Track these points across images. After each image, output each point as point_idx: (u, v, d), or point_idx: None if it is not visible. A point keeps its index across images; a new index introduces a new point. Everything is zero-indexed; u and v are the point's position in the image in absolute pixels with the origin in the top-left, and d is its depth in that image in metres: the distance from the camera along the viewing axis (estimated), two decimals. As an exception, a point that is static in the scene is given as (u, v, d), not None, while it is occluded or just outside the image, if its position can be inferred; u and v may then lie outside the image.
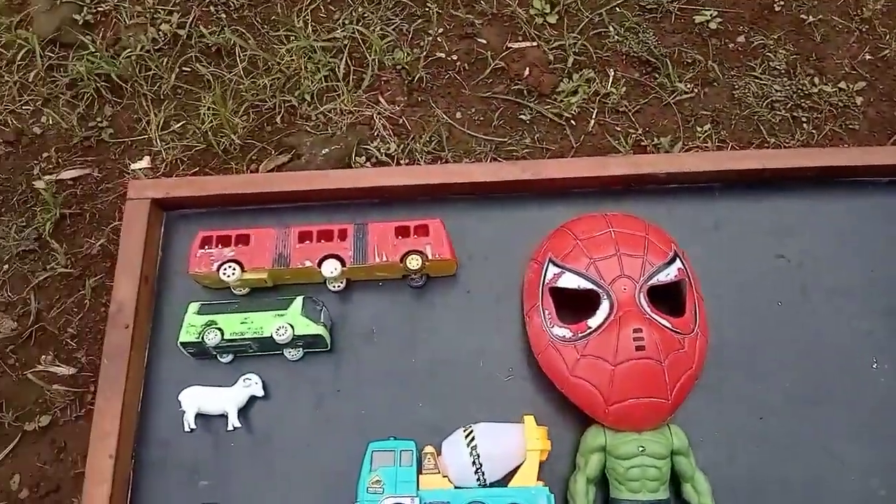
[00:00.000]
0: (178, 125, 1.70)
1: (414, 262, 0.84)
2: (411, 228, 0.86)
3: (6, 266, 1.56)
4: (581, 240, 0.84)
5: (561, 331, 0.79)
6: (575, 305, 0.80)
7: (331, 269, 0.83)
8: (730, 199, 0.94)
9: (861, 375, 0.85)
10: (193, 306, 0.79)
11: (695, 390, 0.79)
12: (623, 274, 0.80)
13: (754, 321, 0.88)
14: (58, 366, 1.47)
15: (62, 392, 1.43)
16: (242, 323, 0.77)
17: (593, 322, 0.78)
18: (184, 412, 0.77)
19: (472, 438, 0.74)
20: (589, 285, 0.80)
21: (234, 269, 0.82)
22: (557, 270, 0.82)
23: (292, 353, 0.81)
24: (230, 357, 0.80)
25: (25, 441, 1.39)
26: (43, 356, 1.47)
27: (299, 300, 0.79)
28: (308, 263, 0.83)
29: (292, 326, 0.77)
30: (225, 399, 0.77)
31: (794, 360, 0.85)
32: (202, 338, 0.76)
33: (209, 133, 1.66)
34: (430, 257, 0.85)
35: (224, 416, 0.77)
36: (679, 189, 0.94)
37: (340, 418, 0.81)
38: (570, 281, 0.81)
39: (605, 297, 0.79)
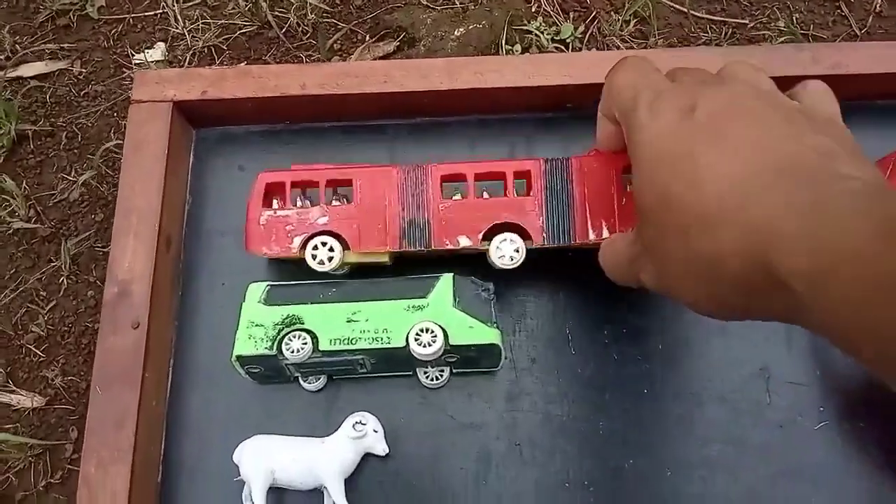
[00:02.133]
0: (212, -8, 1.06)
1: None
2: None
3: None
4: None
5: None
6: None
7: (506, 253, 0.45)
8: None
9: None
10: (256, 290, 0.48)
11: None
12: None
13: None
14: (13, 392, 0.85)
15: (20, 445, 0.81)
16: (350, 321, 0.47)
17: None
18: (244, 483, 0.47)
19: None
20: None
21: (330, 249, 0.47)
22: None
23: (433, 376, 0.50)
24: (322, 381, 0.51)
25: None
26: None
27: (447, 280, 0.48)
28: (465, 242, 0.46)
29: (444, 329, 0.46)
30: (320, 461, 0.47)
31: None
32: (279, 349, 0.46)
33: (262, 4, 1.02)
34: None
35: (319, 493, 0.48)
36: None
37: (524, 497, 0.47)
38: None
39: None
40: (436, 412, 0.51)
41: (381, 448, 0.48)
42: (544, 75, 0.53)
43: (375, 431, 0.49)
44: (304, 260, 0.49)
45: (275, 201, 0.48)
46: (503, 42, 1.00)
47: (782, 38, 1.01)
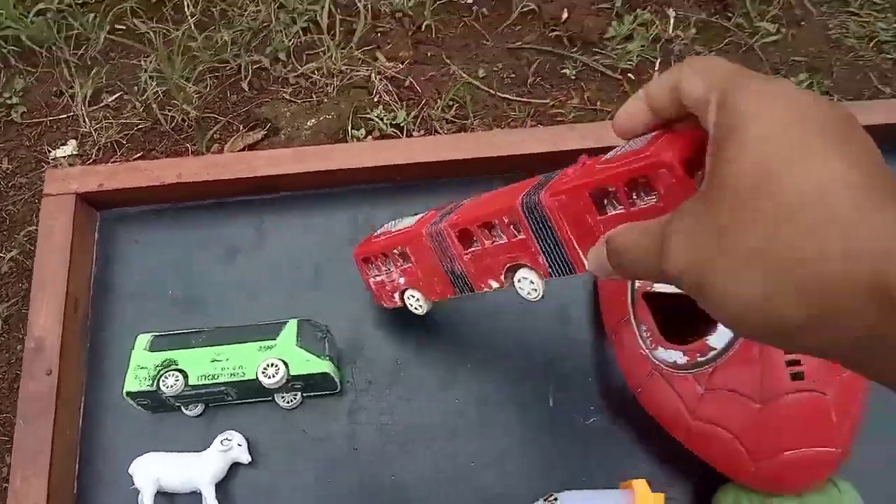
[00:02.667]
0: (113, 98, 1.29)
1: None
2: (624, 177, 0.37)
3: None
4: None
5: (672, 354, 0.58)
6: (678, 318, 0.57)
7: (525, 288, 0.46)
8: None
9: None
10: (143, 340, 0.60)
11: (865, 430, 0.56)
12: None
13: None
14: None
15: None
16: (214, 361, 0.59)
17: (718, 341, 0.56)
18: (138, 491, 0.58)
19: None
20: None
21: (416, 298, 0.56)
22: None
23: (287, 400, 0.62)
24: (200, 408, 0.63)
25: None
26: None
27: (293, 324, 0.60)
28: (495, 285, 0.49)
29: (286, 363, 0.59)
30: (196, 470, 0.59)
31: None
32: (157, 385, 0.59)
33: (153, 106, 1.25)
34: None
35: (196, 495, 0.59)
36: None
37: (361, 491, 0.59)
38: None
39: None
40: (291, 429, 0.61)
41: (244, 458, 0.59)
42: (374, 159, 0.66)
43: (240, 445, 0.59)
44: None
45: (370, 270, 0.58)
46: (350, 128, 1.24)
47: (573, 115, 1.27)
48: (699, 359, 0.56)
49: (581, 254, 0.39)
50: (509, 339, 0.63)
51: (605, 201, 0.36)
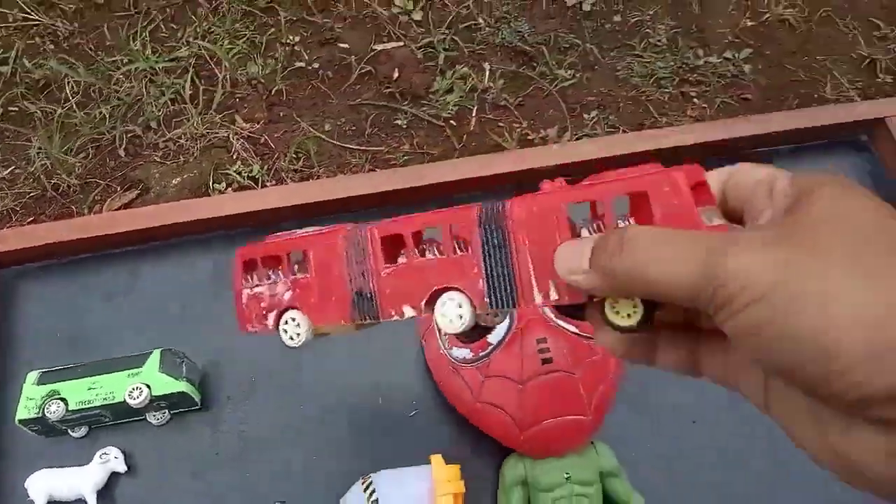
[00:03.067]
0: (7, 171, 1.48)
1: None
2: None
3: None
4: None
5: (461, 352, 0.68)
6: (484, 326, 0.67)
7: (449, 314, 0.36)
8: None
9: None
10: (32, 376, 0.69)
11: (618, 401, 0.68)
12: None
13: None
14: None
15: None
16: (90, 389, 0.68)
17: (494, 338, 0.67)
18: (32, 502, 0.66)
19: (373, 491, 0.62)
20: None
21: (297, 323, 0.43)
22: None
23: (157, 417, 0.71)
24: (84, 430, 0.71)
25: None
26: None
27: (156, 354, 0.68)
28: (409, 313, 0.38)
29: (149, 386, 0.67)
30: (79, 481, 0.66)
31: None
32: (43, 412, 0.67)
33: (42, 177, 1.44)
34: None
35: (82, 502, 0.68)
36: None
37: (223, 487, 0.69)
38: None
39: None
40: (162, 441, 0.69)
41: (121, 468, 0.67)
42: (236, 205, 0.76)
43: (116, 457, 0.67)
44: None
45: (251, 277, 0.44)
46: (212, 183, 1.45)
47: (404, 159, 1.49)
48: (481, 353, 0.67)
49: (534, 284, 0.32)
50: (344, 355, 0.73)
51: (582, 225, 0.31)
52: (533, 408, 0.63)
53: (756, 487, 0.69)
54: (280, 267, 0.43)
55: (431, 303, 0.36)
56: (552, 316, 0.68)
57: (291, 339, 0.42)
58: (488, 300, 0.34)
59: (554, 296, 0.31)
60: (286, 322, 0.42)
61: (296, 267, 0.42)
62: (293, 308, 0.42)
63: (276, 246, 0.42)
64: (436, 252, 0.36)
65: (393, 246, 0.38)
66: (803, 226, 0.24)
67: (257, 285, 0.43)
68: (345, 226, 0.41)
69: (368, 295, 0.39)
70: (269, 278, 0.43)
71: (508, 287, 0.33)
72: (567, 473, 0.64)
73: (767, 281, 0.22)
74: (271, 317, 0.43)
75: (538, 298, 0.32)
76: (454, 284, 0.35)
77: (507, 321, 0.69)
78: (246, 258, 0.44)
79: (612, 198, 0.29)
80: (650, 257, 0.25)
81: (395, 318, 0.38)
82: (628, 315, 0.29)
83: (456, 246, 0.35)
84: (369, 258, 0.38)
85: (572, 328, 0.66)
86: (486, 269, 0.34)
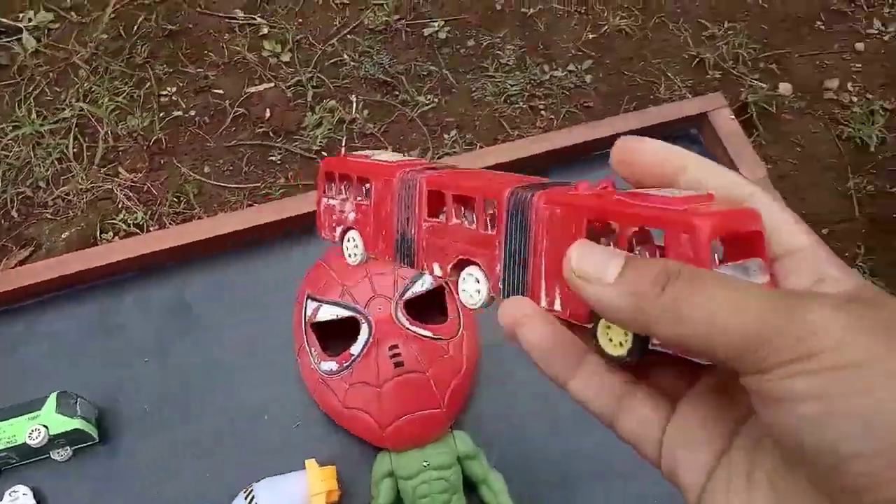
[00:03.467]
0: None
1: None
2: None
3: None
4: (335, 269, 0.82)
5: (328, 364, 0.77)
6: (345, 336, 0.78)
7: (468, 289, 0.35)
8: None
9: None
10: None
11: (481, 390, 0.78)
12: (376, 294, 0.79)
13: None
14: None
15: None
16: None
17: (355, 349, 0.76)
18: None
19: (252, 498, 0.70)
20: (347, 313, 0.79)
21: (355, 244, 0.44)
22: (315, 305, 0.80)
23: (60, 454, 0.76)
24: None
25: None
26: None
27: (53, 397, 0.74)
28: (437, 272, 0.37)
29: (46, 427, 0.73)
30: None
31: None
32: None
33: (-62, 242, 1.54)
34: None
35: None
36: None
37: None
38: (327, 312, 0.80)
39: (364, 320, 0.78)
40: (67, 476, 0.75)
41: (28, 503, 0.73)
42: (117, 253, 0.82)
43: (25, 494, 0.73)
44: None
45: (329, 189, 0.44)
46: (99, 233, 1.55)
47: (280, 191, 1.60)
48: (344, 364, 0.75)
49: (542, 287, 0.30)
50: (232, 378, 0.80)
51: (600, 238, 0.29)
52: (390, 407, 0.72)
53: (601, 450, 0.76)
54: (350, 186, 0.42)
55: (457, 269, 0.35)
56: (406, 323, 0.77)
57: (350, 256, 0.43)
58: (501, 287, 0.32)
59: (557, 307, 0.29)
60: (349, 240, 0.43)
61: (364, 189, 0.41)
62: (354, 229, 0.43)
63: (350, 165, 0.42)
64: (473, 220, 0.34)
65: (439, 200, 0.36)
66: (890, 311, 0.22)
67: (332, 197, 0.43)
68: (413, 161, 0.40)
69: (410, 240, 0.38)
70: (341, 193, 0.43)
71: (521, 281, 0.31)
72: (426, 461, 0.71)
73: (864, 350, 0.20)
74: (338, 231, 0.44)
75: (543, 303, 0.30)
76: (477, 259, 0.34)
77: (366, 332, 0.76)
78: (326, 170, 0.44)
79: (635, 224, 0.26)
80: (709, 299, 0.22)
81: (425, 272, 0.37)
82: (620, 343, 0.27)
83: (488, 221, 0.33)
84: (415, 206, 0.37)
85: (426, 332, 0.76)
86: (504, 255, 0.32)
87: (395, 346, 0.73)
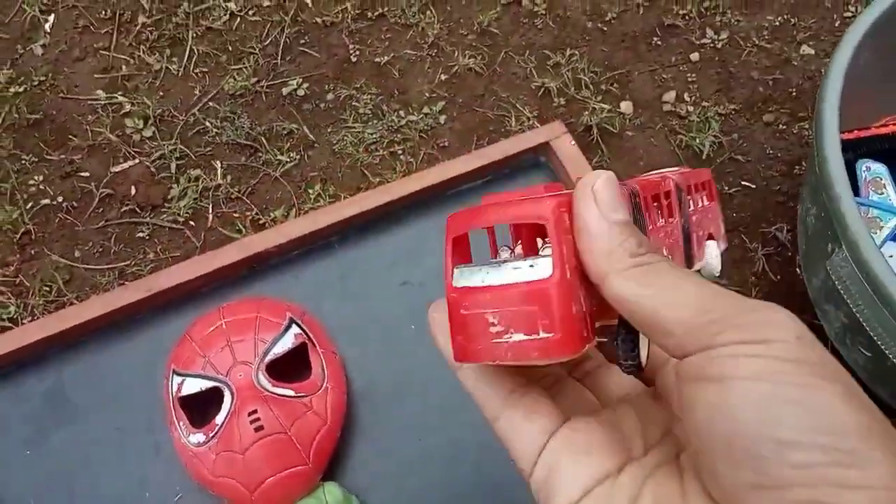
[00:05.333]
0: None
1: None
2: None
3: None
4: (196, 341, 0.85)
5: (196, 437, 0.80)
6: (217, 405, 0.81)
7: (713, 253, 0.40)
8: (349, 247, 1.00)
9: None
10: None
11: (351, 439, 0.82)
12: (237, 361, 0.82)
13: (396, 351, 0.92)
14: None
15: None
16: None
17: (219, 418, 0.79)
18: None
19: None
20: (209, 384, 0.82)
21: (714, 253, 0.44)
22: (180, 379, 0.83)
23: None
24: None
25: None
26: None
27: None
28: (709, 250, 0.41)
29: None
30: None
31: (440, 373, 0.85)
32: None
33: None
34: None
35: None
36: (303, 254, 0.98)
37: None
38: (192, 386, 0.83)
39: (226, 389, 0.81)
40: None
41: None
42: None
43: None
44: None
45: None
46: (-29, 331, 1.55)
47: (150, 266, 1.62)
48: (210, 434, 0.77)
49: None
50: (111, 462, 0.83)
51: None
52: (255, 471, 0.75)
53: (477, 476, 0.82)
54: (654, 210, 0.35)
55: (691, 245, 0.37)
56: (268, 385, 0.83)
57: (713, 259, 0.42)
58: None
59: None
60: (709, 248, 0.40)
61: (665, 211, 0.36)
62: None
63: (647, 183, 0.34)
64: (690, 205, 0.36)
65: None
66: None
67: (658, 223, 0.35)
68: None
69: (688, 232, 0.38)
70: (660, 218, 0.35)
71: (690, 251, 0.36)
72: (297, 518, 0.75)
73: (811, 352, 0.22)
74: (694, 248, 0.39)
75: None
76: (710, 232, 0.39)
77: (228, 401, 0.83)
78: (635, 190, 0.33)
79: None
80: (679, 274, 0.25)
81: (696, 260, 0.38)
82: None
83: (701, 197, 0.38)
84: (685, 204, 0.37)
85: (287, 392, 0.80)
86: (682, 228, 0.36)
87: (255, 412, 0.76)
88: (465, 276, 0.28)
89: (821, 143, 1.04)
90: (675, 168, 0.36)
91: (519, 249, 0.31)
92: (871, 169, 1.05)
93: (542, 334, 0.25)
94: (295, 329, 0.87)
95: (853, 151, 1.16)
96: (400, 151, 1.69)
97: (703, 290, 0.24)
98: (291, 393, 0.81)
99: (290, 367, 0.84)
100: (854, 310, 1.01)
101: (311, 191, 1.66)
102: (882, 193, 1.05)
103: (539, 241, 0.30)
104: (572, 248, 0.26)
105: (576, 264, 0.26)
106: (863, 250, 0.94)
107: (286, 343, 0.85)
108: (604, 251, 0.25)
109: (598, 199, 0.26)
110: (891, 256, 1.08)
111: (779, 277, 1.42)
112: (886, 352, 0.99)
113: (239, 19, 1.84)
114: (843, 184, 0.99)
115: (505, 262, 0.27)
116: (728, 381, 0.22)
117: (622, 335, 0.28)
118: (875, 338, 0.99)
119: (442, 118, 1.71)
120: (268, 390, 0.80)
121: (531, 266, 0.26)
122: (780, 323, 0.22)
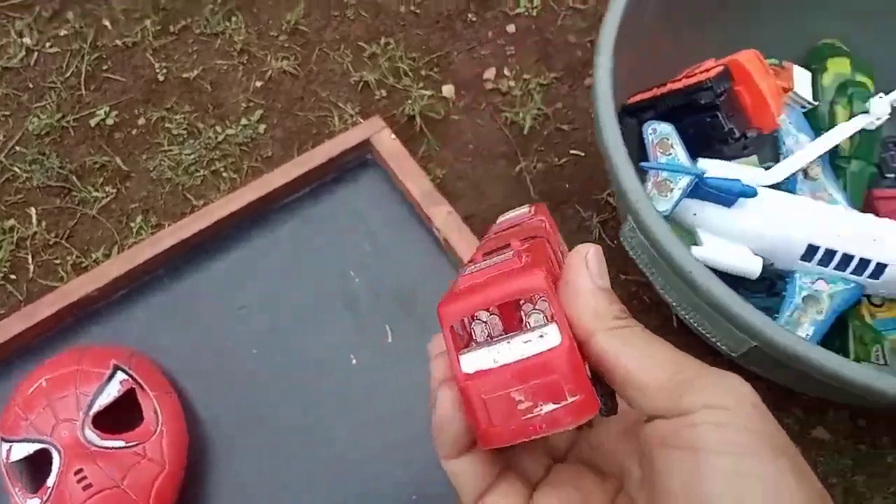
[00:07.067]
0: None
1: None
2: None
3: None
4: (19, 405, 0.83)
5: (32, 501, 0.78)
6: (48, 469, 0.80)
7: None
8: (179, 278, 1.00)
9: (345, 373, 0.91)
10: None
11: (202, 476, 0.83)
12: (60, 420, 0.79)
13: (239, 381, 0.92)
14: None
15: None
16: None
17: (50, 480, 0.77)
18: None
19: None
20: (35, 446, 0.80)
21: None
22: (7, 446, 0.80)
23: None
24: None
25: None
26: None
27: None
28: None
29: None
30: None
31: (287, 397, 0.86)
32: None
33: None
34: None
35: None
36: (129, 293, 1.00)
37: None
38: (20, 451, 0.80)
39: (53, 449, 0.79)
40: None
41: None
42: None
43: None
44: None
45: None
46: None
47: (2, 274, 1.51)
48: (44, 498, 0.78)
49: None
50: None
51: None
52: None
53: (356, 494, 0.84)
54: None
55: None
56: (95, 439, 0.81)
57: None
58: None
59: None
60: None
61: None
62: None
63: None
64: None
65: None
66: None
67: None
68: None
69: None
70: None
71: None
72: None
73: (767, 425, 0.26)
74: None
75: None
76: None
77: (57, 461, 0.80)
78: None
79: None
80: (655, 341, 0.29)
81: None
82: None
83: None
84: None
85: (116, 443, 0.78)
86: None
87: (80, 470, 0.75)
88: (473, 361, 0.29)
89: (596, 112, 1.01)
90: (515, 212, 0.42)
91: (495, 319, 0.32)
92: (657, 130, 1.03)
93: (570, 398, 0.27)
94: (120, 376, 0.85)
95: (653, 111, 1.14)
96: (222, 169, 1.60)
97: (675, 355, 0.28)
98: (121, 444, 0.78)
99: (127, 415, 0.86)
100: (651, 279, 0.99)
101: (132, 224, 1.57)
102: (670, 154, 1.02)
103: (525, 305, 0.32)
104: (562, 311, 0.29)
105: (567, 326, 0.29)
106: (644, 218, 0.92)
107: (111, 392, 0.82)
108: (593, 312, 0.29)
109: (590, 267, 0.31)
110: (695, 214, 1.06)
111: (615, 243, 1.40)
112: (686, 317, 0.98)
113: (37, 54, 1.72)
114: (621, 155, 0.96)
115: (510, 336, 0.29)
116: (699, 453, 0.25)
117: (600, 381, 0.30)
118: (675, 304, 0.97)
119: (262, 128, 1.64)
120: (95, 445, 0.77)
121: (541, 336, 0.28)
122: (738, 391, 0.26)
